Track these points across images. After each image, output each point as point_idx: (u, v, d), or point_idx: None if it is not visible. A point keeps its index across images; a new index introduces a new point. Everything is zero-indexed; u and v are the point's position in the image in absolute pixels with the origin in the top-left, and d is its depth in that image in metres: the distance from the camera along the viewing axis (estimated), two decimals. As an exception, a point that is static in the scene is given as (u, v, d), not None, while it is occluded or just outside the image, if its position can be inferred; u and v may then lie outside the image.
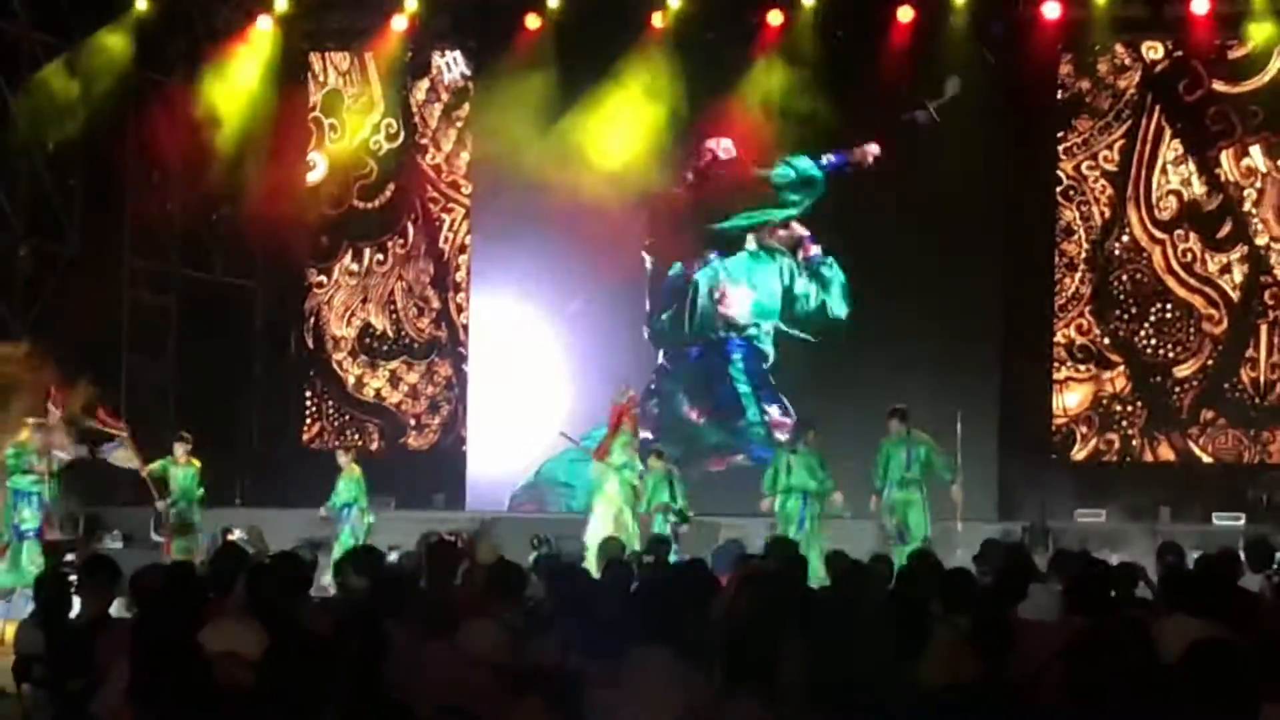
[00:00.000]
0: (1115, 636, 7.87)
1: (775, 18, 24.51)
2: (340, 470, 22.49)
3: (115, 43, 24.54)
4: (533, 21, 25.07)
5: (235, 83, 25.58)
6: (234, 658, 6.53)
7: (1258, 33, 25.02)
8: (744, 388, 25.62)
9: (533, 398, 25.64)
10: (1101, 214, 25.86)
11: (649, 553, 15.79)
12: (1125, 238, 25.80)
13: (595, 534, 20.21)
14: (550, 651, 8.74)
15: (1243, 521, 22.53)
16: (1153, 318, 25.65)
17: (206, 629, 6.73)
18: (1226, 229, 25.43)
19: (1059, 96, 25.99)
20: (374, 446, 27.62)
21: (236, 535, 21.34)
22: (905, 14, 24.20)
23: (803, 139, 24.94)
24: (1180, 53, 25.50)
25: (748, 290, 25.69)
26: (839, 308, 25.37)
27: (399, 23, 25.50)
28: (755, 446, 25.12)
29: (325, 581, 14.69)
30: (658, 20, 25.02)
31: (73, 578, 10.03)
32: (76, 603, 9.82)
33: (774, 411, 25.41)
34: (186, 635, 6.57)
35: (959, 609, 9.71)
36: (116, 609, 9.88)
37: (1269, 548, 14.47)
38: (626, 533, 20.68)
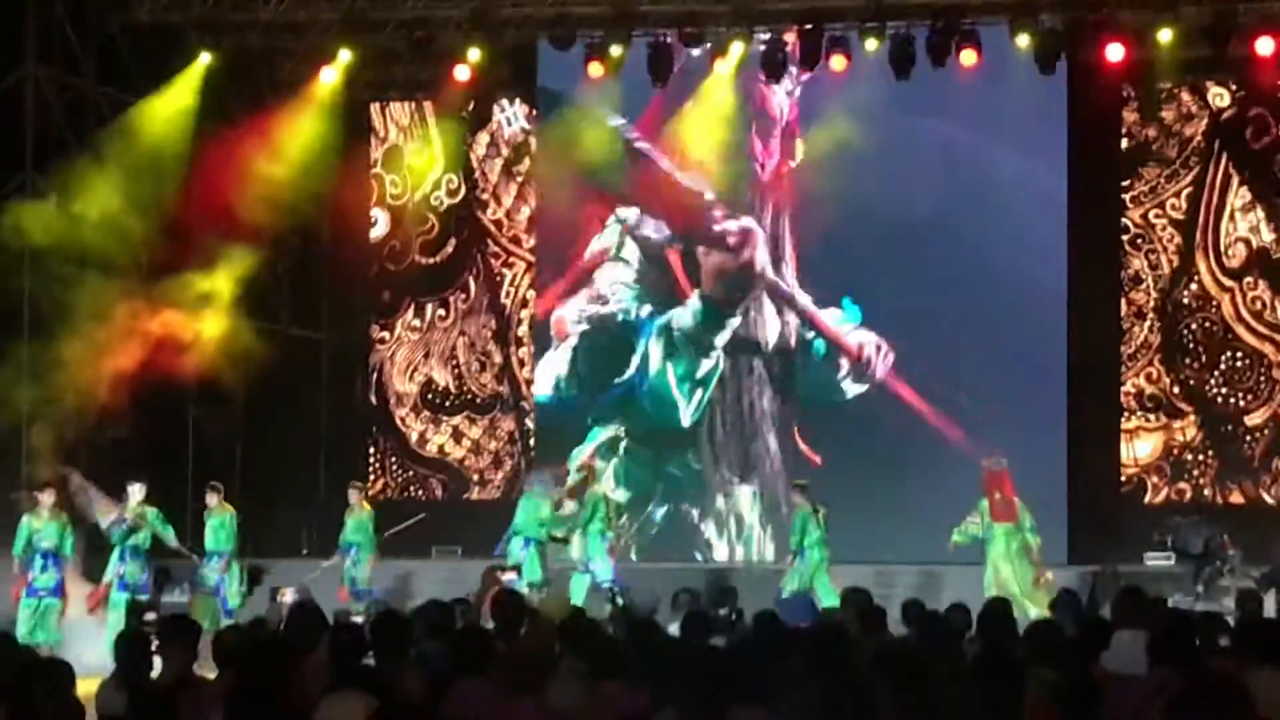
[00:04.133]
0: (1210, 693, 7.71)
1: (839, 63, 24.37)
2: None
3: (179, 96, 24.66)
4: (595, 70, 24.99)
5: (298, 135, 25.57)
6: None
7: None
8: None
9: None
10: (1170, 262, 25.73)
11: (720, 604, 15.66)
12: (1194, 286, 25.64)
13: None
14: (629, 699, 8.64)
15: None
16: (1222, 366, 25.48)
17: (324, 703, 6.63)
18: (1296, 276, 25.33)
19: (1125, 145, 25.87)
20: (439, 496, 27.70)
21: (289, 596, 21.21)
22: (969, 58, 24.01)
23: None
24: (1243, 94, 25.39)
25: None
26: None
27: (461, 73, 25.47)
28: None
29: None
30: (721, 66, 24.98)
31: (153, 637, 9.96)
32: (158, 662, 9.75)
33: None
34: (279, 702, 6.49)
35: (1044, 662, 9.55)
36: (198, 668, 9.81)
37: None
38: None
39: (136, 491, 21.29)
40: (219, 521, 21.94)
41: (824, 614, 12.86)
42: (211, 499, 22.06)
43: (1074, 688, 8.62)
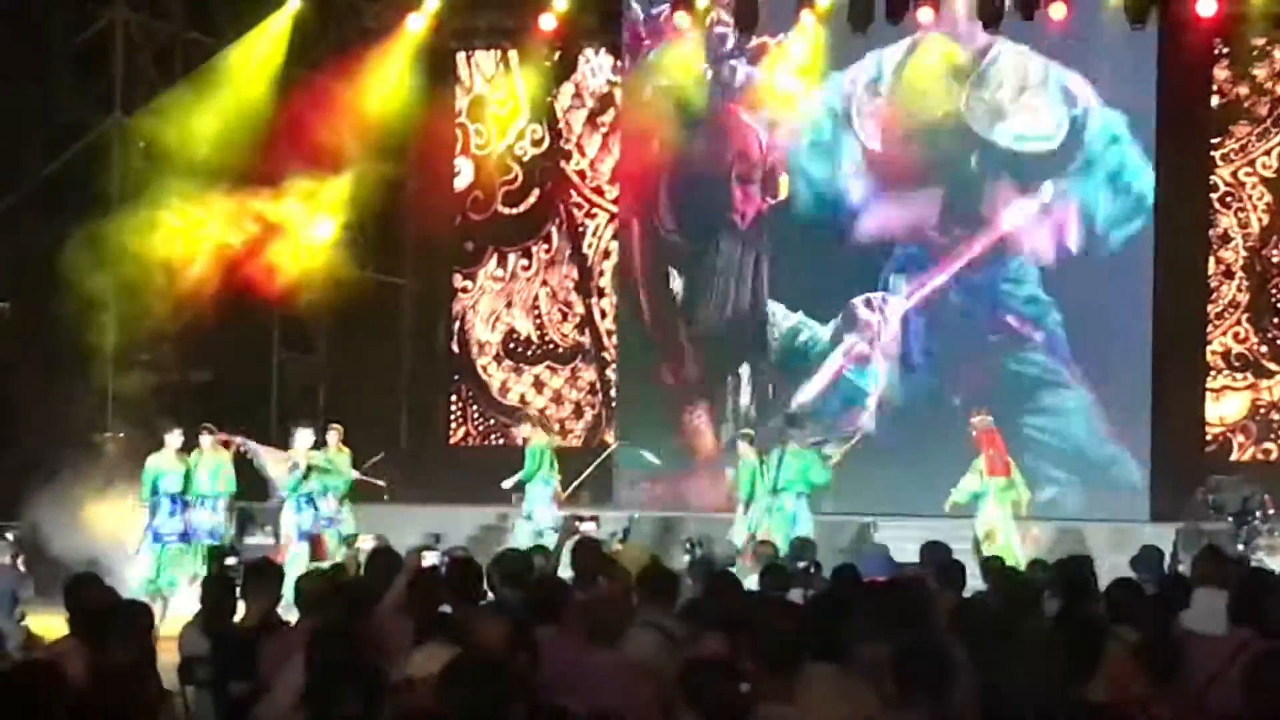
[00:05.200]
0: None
1: (926, 15, 24.22)
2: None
3: (268, 40, 24.76)
4: (681, 20, 24.94)
5: (384, 81, 25.65)
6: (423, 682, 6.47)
7: None
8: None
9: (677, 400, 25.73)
10: (1259, 221, 25.47)
11: (798, 557, 15.60)
12: (1284, 245, 25.44)
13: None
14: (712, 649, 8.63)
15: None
16: (1310, 326, 25.29)
17: (416, 655, 6.67)
18: (1385, 235, 25.08)
19: (1216, 102, 25.62)
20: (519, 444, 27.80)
21: (368, 542, 21.23)
22: (1058, 11, 23.81)
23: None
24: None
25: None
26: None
27: (547, 21, 25.48)
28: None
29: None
30: (807, 15, 24.84)
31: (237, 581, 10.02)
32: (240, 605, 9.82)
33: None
34: (360, 647, 6.54)
35: (1124, 620, 9.51)
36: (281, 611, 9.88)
37: None
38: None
39: (305, 437, 21.47)
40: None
41: (903, 569, 12.82)
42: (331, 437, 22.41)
43: (1157, 647, 8.58)
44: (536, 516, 21.80)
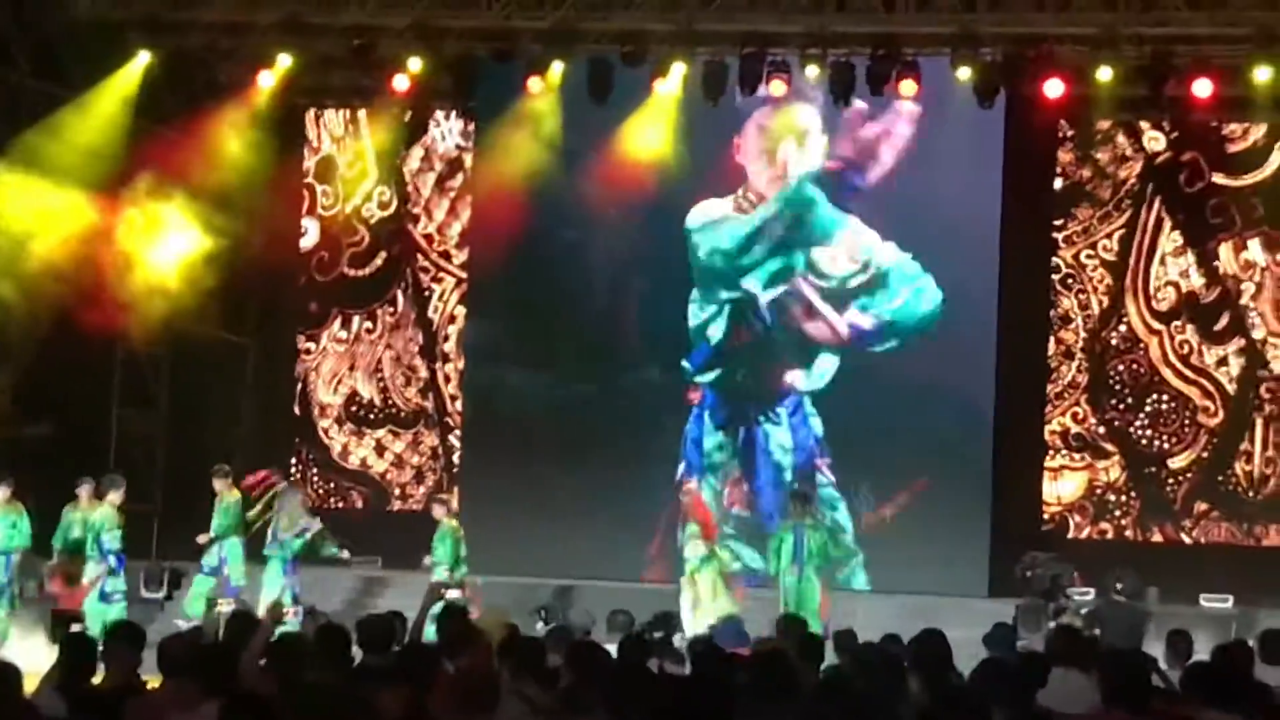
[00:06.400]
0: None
1: (778, 88, 24.31)
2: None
3: (116, 93, 24.42)
4: (535, 85, 24.90)
5: (233, 138, 25.32)
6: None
7: (1258, 129, 25.24)
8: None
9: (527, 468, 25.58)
10: (1100, 303, 25.85)
11: (656, 628, 15.61)
12: (1123, 327, 25.77)
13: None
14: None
15: (1230, 604, 23.01)
16: (1148, 408, 25.62)
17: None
18: (1224, 321, 25.47)
19: (1059, 184, 25.99)
20: (359, 507, 27.54)
21: (228, 605, 21.00)
22: (908, 88, 23.99)
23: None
24: (1178, 136, 25.52)
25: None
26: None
27: (400, 83, 25.27)
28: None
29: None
30: (660, 86, 24.85)
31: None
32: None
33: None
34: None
35: (992, 699, 9.50)
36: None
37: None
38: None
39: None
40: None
41: (761, 641, 12.82)
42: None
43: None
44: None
